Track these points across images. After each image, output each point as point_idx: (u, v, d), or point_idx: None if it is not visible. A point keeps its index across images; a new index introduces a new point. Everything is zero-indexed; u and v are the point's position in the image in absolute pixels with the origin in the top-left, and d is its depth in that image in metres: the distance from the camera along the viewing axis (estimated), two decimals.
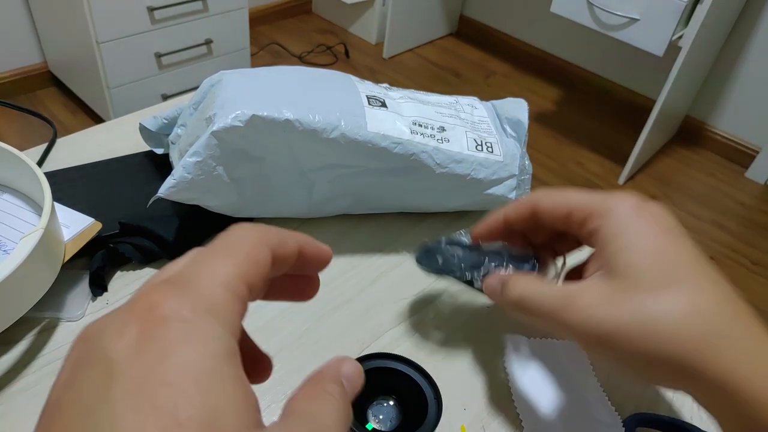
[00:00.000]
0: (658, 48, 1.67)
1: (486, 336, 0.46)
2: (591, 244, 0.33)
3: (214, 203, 0.47)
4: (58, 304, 0.44)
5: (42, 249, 0.40)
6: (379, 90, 0.52)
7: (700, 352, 0.27)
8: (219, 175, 0.45)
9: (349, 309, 0.47)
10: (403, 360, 0.39)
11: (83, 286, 0.46)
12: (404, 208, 0.55)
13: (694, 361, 0.27)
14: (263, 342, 0.26)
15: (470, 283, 0.40)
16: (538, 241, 0.40)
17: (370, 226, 0.55)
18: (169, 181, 0.44)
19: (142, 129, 0.55)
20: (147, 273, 0.48)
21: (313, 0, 2.81)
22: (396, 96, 0.52)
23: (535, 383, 0.42)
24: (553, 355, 0.44)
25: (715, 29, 1.83)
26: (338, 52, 2.55)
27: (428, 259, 0.41)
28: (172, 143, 0.52)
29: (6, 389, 0.39)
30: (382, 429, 0.37)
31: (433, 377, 0.38)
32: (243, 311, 0.20)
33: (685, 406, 0.42)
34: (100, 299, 0.45)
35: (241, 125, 0.44)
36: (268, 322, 0.45)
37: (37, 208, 0.48)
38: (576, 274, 0.36)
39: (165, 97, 1.93)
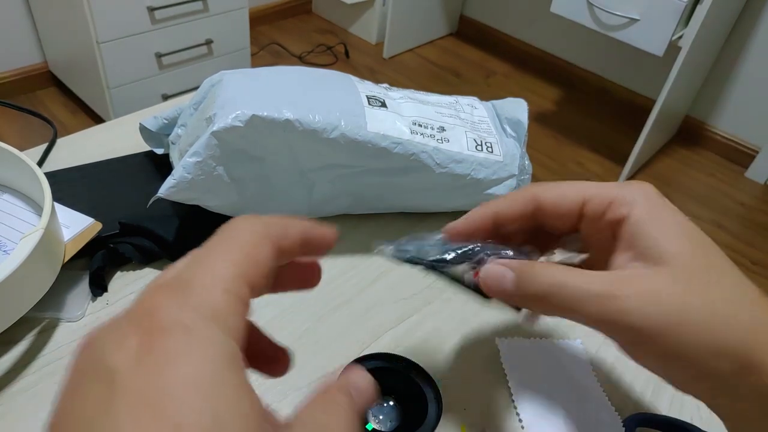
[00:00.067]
0: (658, 48, 1.67)
1: (486, 336, 0.46)
2: (613, 235, 0.31)
3: (214, 203, 0.47)
4: (58, 304, 0.44)
5: (42, 249, 0.40)
6: (379, 90, 0.52)
7: (763, 342, 0.26)
8: (219, 175, 0.45)
9: (349, 309, 0.47)
10: (403, 360, 0.39)
11: (83, 286, 0.46)
12: (404, 208, 0.55)
13: (760, 352, 0.25)
14: None
15: (455, 279, 0.34)
16: (513, 241, 0.36)
17: (370, 226, 0.55)
18: (169, 181, 0.44)
19: (142, 129, 0.55)
20: (147, 273, 0.48)
21: (313, 0, 2.81)
22: (396, 96, 0.52)
23: (535, 383, 0.42)
24: (552, 355, 0.44)
25: (715, 29, 1.83)
26: (338, 52, 2.55)
27: (402, 249, 0.35)
28: (172, 143, 0.52)
29: (6, 389, 0.39)
30: (382, 429, 0.37)
31: (433, 377, 0.38)
32: (245, 312, 0.19)
33: (685, 406, 0.42)
34: (100, 299, 0.45)
35: (241, 125, 0.44)
36: (268, 322, 0.45)
37: (37, 208, 0.48)
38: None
39: (165, 97, 1.93)
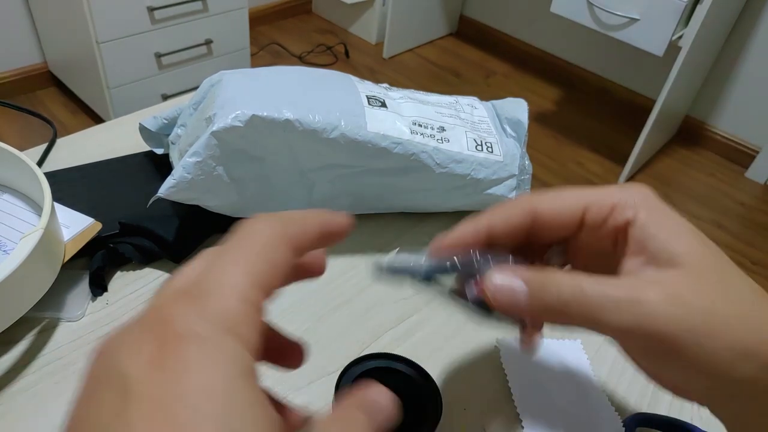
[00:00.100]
0: (658, 48, 1.67)
1: (486, 336, 0.46)
2: (615, 240, 0.30)
3: (214, 203, 0.47)
4: (58, 304, 0.44)
5: (42, 249, 0.40)
6: (379, 90, 0.52)
7: None
8: (219, 175, 0.45)
9: (349, 309, 0.47)
10: (403, 360, 0.39)
11: (83, 286, 0.46)
12: (404, 208, 0.55)
13: None
14: None
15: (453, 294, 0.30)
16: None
17: (370, 226, 0.55)
18: (169, 181, 0.44)
19: (142, 129, 0.55)
20: (147, 273, 0.48)
21: (313, 0, 2.81)
22: (396, 96, 0.52)
23: (535, 383, 0.42)
24: (552, 355, 0.44)
25: (715, 29, 1.83)
26: (338, 52, 2.55)
27: (393, 266, 0.31)
28: (172, 143, 0.52)
29: (6, 389, 0.39)
30: None
31: (433, 377, 0.38)
32: (260, 320, 0.19)
33: (685, 406, 0.42)
34: (100, 299, 0.45)
35: (241, 125, 0.44)
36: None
37: (37, 208, 0.48)
38: None
39: (165, 97, 1.93)
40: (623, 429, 0.39)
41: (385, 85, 0.55)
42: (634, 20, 1.68)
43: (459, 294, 0.30)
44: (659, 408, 0.42)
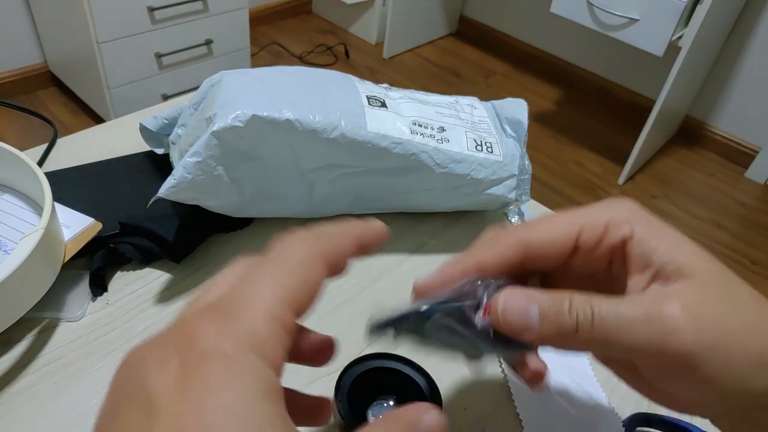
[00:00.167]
0: (658, 48, 1.67)
1: None
2: (611, 260, 0.29)
3: (214, 203, 0.47)
4: (58, 304, 0.44)
5: (42, 249, 0.40)
6: (379, 90, 0.52)
7: None
8: (219, 175, 0.45)
9: (349, 309, 0.47)
10: (403, 360, 0.39)
11: (83, 286, 0.46)
12: (404, 208, 0.55)
13: None
14: None
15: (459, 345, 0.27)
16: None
17: None
18: (170, 181, 0.44)
19: (143, 129, 0.55)
20: (147, 273, 0.48)
21: (313, 0, 2.81)
22: (396, 96, 0.52)
23: None
24: (552, 356, 0.44)
25: (715, 29, 1.83)
26: (338, 52, 2.55)
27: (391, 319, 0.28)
28: (173, 143, 0.52)
29: (6, 389, 0.39)
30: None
31: (433, 377, 0.38)
32: (287, 340, 0.19)
33: None
34: (100, 299, 0.45)
35: (241, 125, 0.44)
36: None
37: (38, 208, 0.48)
38: None
39: (165, 97, 1.93)
40: (623, 429, 0.39)
41: (385, 85, 0.55)
42: (634, 20, 1.68)
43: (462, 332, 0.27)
44: (659, 408, 0.42)
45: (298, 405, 0.25)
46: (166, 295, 0.47)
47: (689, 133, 2.23)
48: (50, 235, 0.41)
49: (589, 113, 2.34)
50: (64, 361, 0.41)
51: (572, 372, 0.43)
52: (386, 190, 0.52)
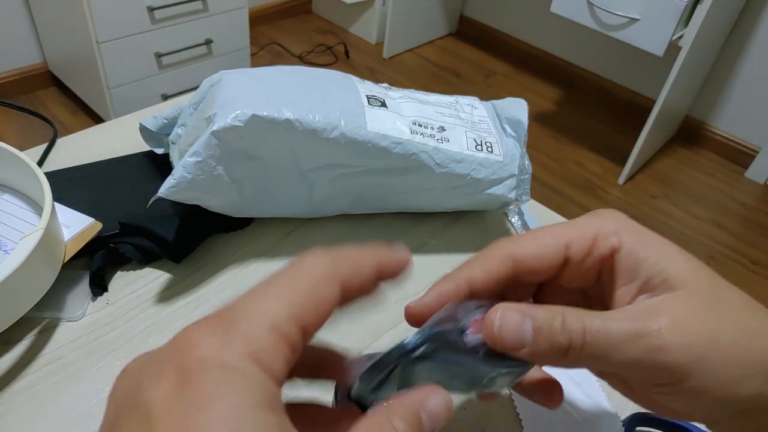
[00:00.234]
0: (658, 48, 1.67)
1: None
2: (599, 272, 0.29)
3: (214, 203, 0.47)
4: (58, 304, 0.44)
5: (42, 249, 0.40)
6: (379, 90, 0.52)
7: None
8: (219, 175, 0.45)
9: (349, 309, 0.47)
10: None
11: (83, 286, 0.46)
12: (404, 208, 0.55)
13: None
14: None
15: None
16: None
17: (370, 226, 0.55)
18: (169, 181, 0.44)
19: (142, 129, 0.55)
20: (147, 273, 0.48)
21: (313, 0, 2.81)
22: (396, 96, 0.52)
23: None
24: None
25: (715, 29, 1.83)
26: (338, 52, 2.55)
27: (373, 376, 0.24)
28: (172, 143, 0.52)
29: (6, 389, 0.39)
30: None
31: None
32: (291, 355, 0.19)
33: None
34: (100, 299, 0.45)
35: (241, 125, 0.44)
36: None
37: (37, 208, 0.48)
38: None
39: (165, 97, 1.93)
40: (623, 429, 0.39)
41: (385, 84, 0.55)
42: (634, 20, 1.68)
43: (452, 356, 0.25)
44: None
45: (326, 419, 0.25)
46: (166, 295, 0.47)
47: (689, 133, 2.23)
48: (50, 235, 0.41)
49: (589, 113, 2.34)
50: (64, 361, 0.41)
51: (572, 372, 0.43)
52: (386, 190, 0.52)
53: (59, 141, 0.60)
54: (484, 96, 0.59)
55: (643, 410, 0.42)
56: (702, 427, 0.39)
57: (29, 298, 0.40)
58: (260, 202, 0.50)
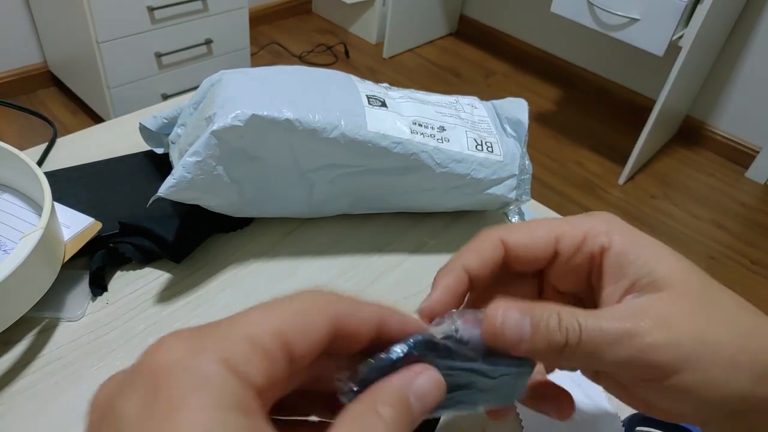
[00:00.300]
0: (658, 48, 1.67)
1: None
2: (589, 271, 0.29)
3: (214, 203, 0.47)
4: (58, 304, 0.44)
5: (42, 249, 0.40)
6: (379, 90, 0.52)
7: None
8: (219, 175, 0.45)
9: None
10: None
11: (83, 286, 0.46)
12: (404, 208, 0.55)
13: None
14: None
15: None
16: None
17: (370, 226, 0.55)
18: (169, 181, 0.44)
19: (142, 129, 0.55)
20: (147, 273, 0.48)
21: (313, 0, 2.81)
22: (396, 96, 0.52)
23: None
24: None
25: (715, 29, 1.83)
26: (338, 52, 2.55)
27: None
28: (172, 143, 0.52)
29: (6, 389, 0.39)
30: None
31: None
32: (269, 366, 0.18)
33: None
34: (100, 299, 0.45)
35: (241, 125, 0.44)
36: None
37: (37, 208, 0.48)
38: None
39: (165, 97, 1.93)
40: (623, 429, 0.39)
41: (385, 84, 0.55)
42: (634, 20, 1.68)
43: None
44: None
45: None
46: (166, 295, 0.47)
47: (689, 133, 2.23)
48: (50, 234, 0.41)
49: (589, 113, 2.34)
50: (64, 361, 0.41)
51: (572, 373, 0.43)
52: (386, 190, 0.51)
53: (59, 141, 0.60)
54: (484, 96, 0.60)
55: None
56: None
57: (29, 298, 0.40)
58: (260, 202, 0.50)
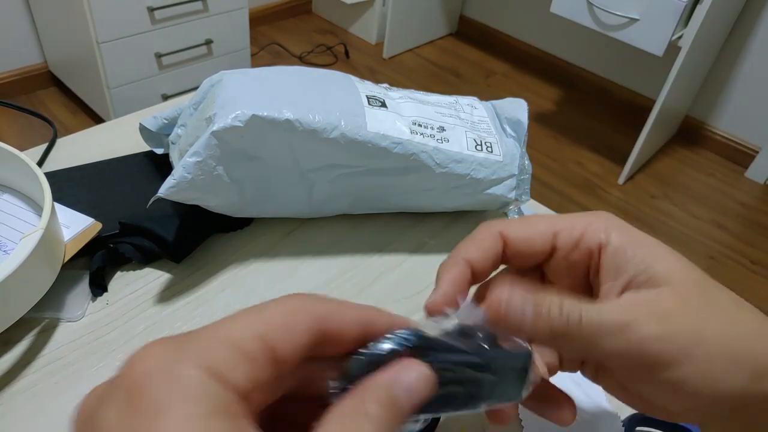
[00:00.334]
0: (658, 48, 1.67)
1: None
2: (587, 267, 0.29)
3: (214, 203, 0.47)
4: (58, 304, 0.44)
5: (42, 249, 0.40)
6: (379, 90, 0.52)
7: None
8: (219, 175, 0.45)
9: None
10: None
11: (83, 286, 0.46)
12: (404, 208, 0.55)
13: None
14: None
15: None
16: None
17: (370, 226, 0.55)
18: (169, 181, 0.44)
19: (142, 129, 0.55)
20: (147, 273, 0.48)
21: (313, 0, 2.81)
22: (396, 96, 0.52)
23: None
24: None
25: (715, 29, 1.83)
26: (338, 52, 2.55)
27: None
28: (172, 143, 0.52)
29: (6, 389, 0.39)
30: None
31: None
32: (252, 368, 0.18)
33: None
34: (100, 299, 0.45)
35: (241, 125, 0.44)
36: None
37: (37, 208, 0.48)
38: None
39: (165, 97, 1.93)
40: (623, 429, 0.39)
41: (385, 85, 0.55)
42: (634, 20, 1.68)
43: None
44: None
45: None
46: (166, 295, 0.47)
47: (689, 133, 2.23)
48: (50, 235, 0.41)
49: (589, 113, 2.34)
50: (64, 361, 0.41)
51: (572, 373, 0.43)
52: (386, 190, 0.52)
53: (59, 141, 0.60)
54: (484, 96, 0.60)
55: None
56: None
57: (29, 298, 0.40)
58: (260, 202, 0.50)
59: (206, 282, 0.48)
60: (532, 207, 0.60)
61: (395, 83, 2.28)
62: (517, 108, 0.56)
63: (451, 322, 0.25)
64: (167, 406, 0.16)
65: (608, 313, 0.25)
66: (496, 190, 0.52)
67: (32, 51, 2.01)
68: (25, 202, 0.49)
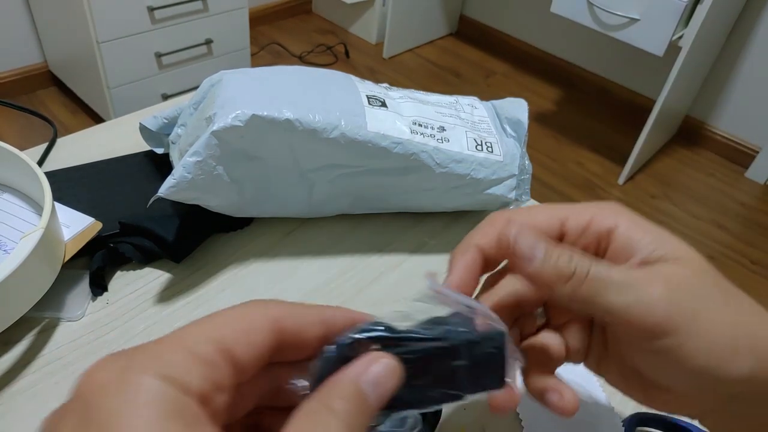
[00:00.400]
0: (658, 48, 1.67)
1: None
2: (599, 253, 0.29)
3: (214, 203, 0.47)
4: (58, 304, 0.44)
5: (42, 249, 0.40)
6: (379, 90, 0.52)
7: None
8: (219, 175, 0.45)
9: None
10: None
11: (83, 286, 0.46)
12: (404, 208, 0.55)
13: None
14: None
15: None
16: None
17: (369, 226, 0.55)
18: (170, 181, 0.44)
19: (142, 129, 0.55)
20: (147, 273, 0.48)
21: (313, 0, 2.81)
22: (396, 96, 0.52)
23: None
24: None
25: (715, 29, 1.83)
26: (338, 52, 2.55)
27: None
28: (173, 143, 0.52)
29: (6, 389, 0.39)
30: (381, 429, 0.37)
31: None
32: (209, 371, 0.18)
33: None
34: (100, 299, 0.45)
35: (241, 125, 0.44)
36: None
37: (38, 208, 0.48)
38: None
39: (165, 97, 1.93)
40: (623, 429, 0.39)
41: (385, 84, 0.55)
42: (634, 20, 1.68)
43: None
44: None
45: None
46: (166, 295, 0.47)
47: (689, 133, 2.23)
48: (50, 234, 0.41)
49: (589, 113, 2.34)
50: (64, 361, 0.41)
51: (573, 373, 0.43)
52: (386, 190, 0.51)
53: (59, 141, 0.60)
54: (484, 96, 0.60)
55: (643, 410, 0.42)
56: (702, 427, 0.39)
57: (29, 297, 0.40)
58: (260, 202, 0.50)
59: (206, 282, 0.48)
60: None
61: (395, 83, 2.28)
62: (518, 108, 0.56)
63: (421, 313, 0.24)
64: (122, 415, 0.16)
65: (617, 272, 0.25)
66: (496, 190, 0.52)
67: (32, 51, 2.01)
68: (26, 202, 0.49)
